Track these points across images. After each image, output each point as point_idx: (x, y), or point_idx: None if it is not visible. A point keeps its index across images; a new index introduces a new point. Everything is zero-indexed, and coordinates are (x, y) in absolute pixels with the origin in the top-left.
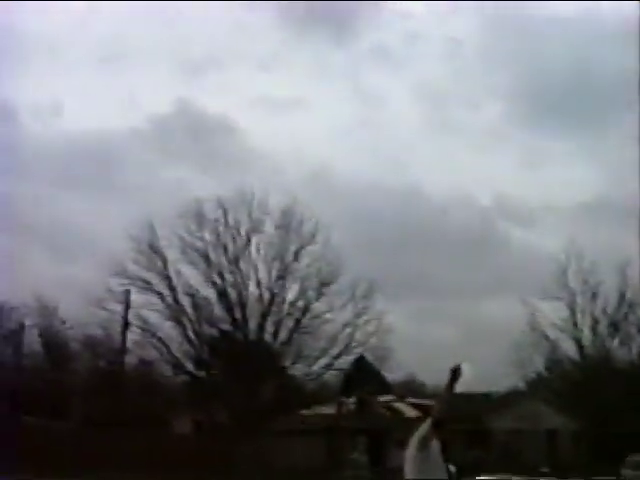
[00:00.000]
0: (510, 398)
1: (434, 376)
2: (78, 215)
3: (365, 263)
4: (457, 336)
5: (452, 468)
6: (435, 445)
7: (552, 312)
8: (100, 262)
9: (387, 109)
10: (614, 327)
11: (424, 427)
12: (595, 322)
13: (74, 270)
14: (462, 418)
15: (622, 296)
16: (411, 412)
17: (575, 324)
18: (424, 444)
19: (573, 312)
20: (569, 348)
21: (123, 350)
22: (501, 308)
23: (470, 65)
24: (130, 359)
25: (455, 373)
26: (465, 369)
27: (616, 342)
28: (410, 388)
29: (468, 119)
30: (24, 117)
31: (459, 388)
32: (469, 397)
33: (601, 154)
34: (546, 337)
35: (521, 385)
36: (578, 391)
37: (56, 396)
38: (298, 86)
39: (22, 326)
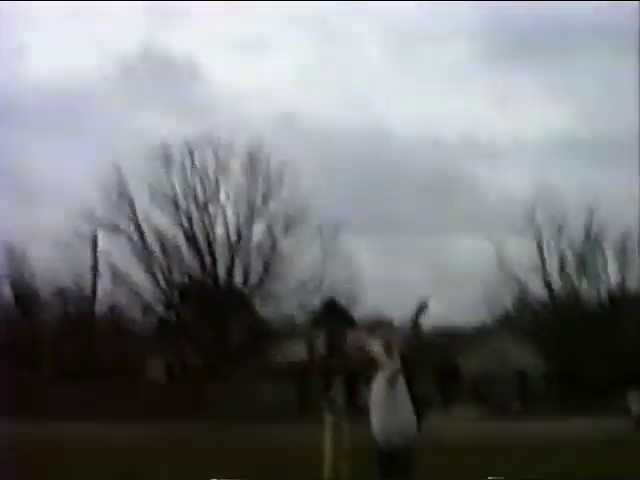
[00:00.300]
0: (479, 336)
1: (403, 314)
2: (46, 161)
3: (333, 204)
4: (426, 274)
5: None
6: (402, 384)
7: (519, 250)
8: (69, 209)
9: (353, 49)
10: (581, 264)
11: (393, 363)
12: (562, 259)
13: (43, 216)
14: (431, 355)
15: (588, 233)
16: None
17: (542, 261)
18: (390, 382)
19: (540, 249)
20: (537, 286)
21: (93, 297)
22: (469, 246)
23: (436, 2)
24: (100, 306)
25: (421, 307)
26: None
27: (584, 282)
28: (379, 327)
29: (435, 57)
30: None
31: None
32: (438, 335)
33: (571, 90)
34: (513, 274)
35: (489, 323)
36: (547, 329)
37: (27, 346)
38: (263, 28)
39: None
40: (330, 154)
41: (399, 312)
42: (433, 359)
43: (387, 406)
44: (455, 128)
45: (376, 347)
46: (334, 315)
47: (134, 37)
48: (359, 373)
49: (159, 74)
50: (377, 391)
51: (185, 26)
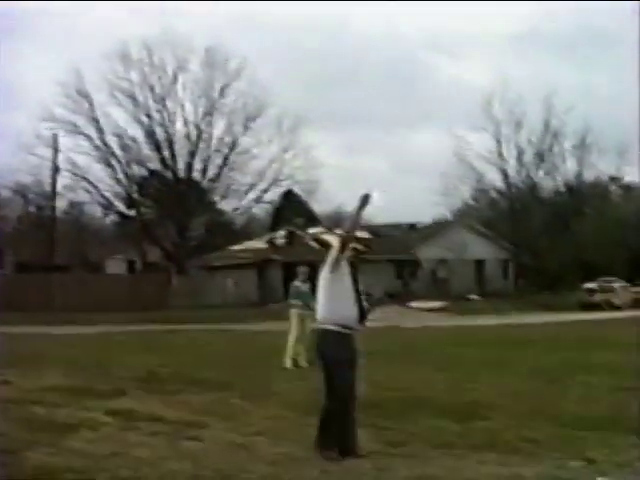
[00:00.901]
0: (437, 228)
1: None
2: (3, 62)
3: (293, 98)
4: (386, 167)
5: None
6: (345, 267)
7: (478, 143)
8: (28, 109)
9: None
10: (539, 157)
11: (333, 249)
12: (520, 152)
13: (3, 119)
14: (389, 248)
15: (547, 126)
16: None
17: (500, 154)
18: (334, 265)
19: (499, 143)
20: (495, 178)
21: (54, 194)
22: (429, 140)
23: None
24: (60, 203)
25: (365, 199)
26: (374, 196)
27: (541, 173)
28: (339, 220)
29: None
30: None
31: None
32: (396, 227)
33: None
34: (472, 167)
35: (448, 215)
36: (505, 220)
37: None
38: None
39: None
40: (289, 47)
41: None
42: (392, 251)
43: (327, 289)
44: (417, 21)
45: (328, 236)
46: (293, 207)
47: None
48: (317, 264)
49: None
50: (321, 276)
51: None
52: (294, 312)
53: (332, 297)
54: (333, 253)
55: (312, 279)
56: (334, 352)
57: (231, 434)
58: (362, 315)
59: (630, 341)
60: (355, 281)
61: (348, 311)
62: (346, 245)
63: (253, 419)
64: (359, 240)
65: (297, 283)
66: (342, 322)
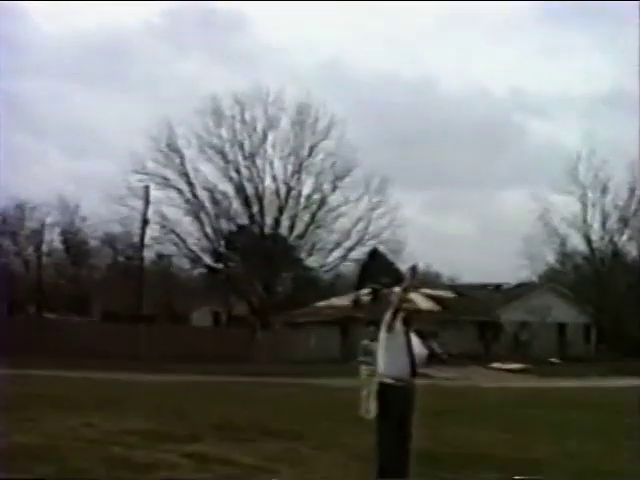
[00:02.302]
0: (521, 291)
1: (449, 266)
2: (96, 112)
3: (380, 156)
4: (471, 228)
5: (424, 350)
6: (399, 329)
7: (563, 206)
8: (119, 159)
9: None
10: (624, 222)
11: (387, 314)
12: (605, 217)
13: (94, 167)
14: (473, 309)
15: (632, 191)
16: (424, 303)
17: (585, 219)
18: (387, 328)
19: (584, 207)
20: (579, 243)
21: (142, 245)
22: (515, 200)
23: None
24: (149, 254)
25: (413, 271)
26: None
27: (625, 237)
28: (425, 279)
29: (484, 9)
30: (37, 16)
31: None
32: (482, 287)
33: (620, 45)
34: (556, 232)
35: (533, 278)
36: (588, 284)
37: (77, 292)
38: None
39: (43, 225)
40: (378, 105)
41: (445, 264)
42: (476, 312)
43: (384, 347)
44: (504, 81)
45: (412, 295)
46: (379, 266)
47: None
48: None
49: (206, 23)
50: (380, 335)
51: None
52: (363, 369)
53: (388, 353)
54: (388, 317)
55: None
56: (390, 402)
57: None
58: (414, 369)
59: None
60: (408, 338)
61: (402, 365)
62: (398, 311)
63: (320, 467)
64: (442, 300)
65: (365, 342)
66: (397, 375)
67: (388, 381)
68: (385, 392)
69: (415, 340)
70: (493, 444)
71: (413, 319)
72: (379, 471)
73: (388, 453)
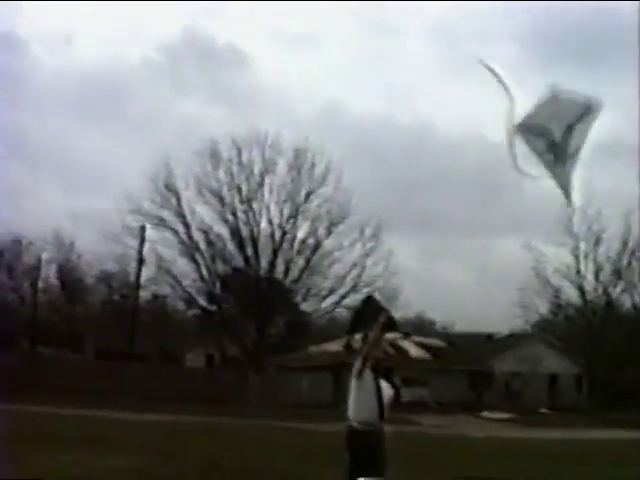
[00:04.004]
0: (513, 340)
1: (443, 313)
2: (92, 147)
3: (376, 201)
4: (466, 275)
5: (389, 392)
6: (368, 376)
7: (556, 257)
8: (115, 196)
9: (400, 46)
10: (617, 274)
11: (356, 363)
12: (598, 269)
13: (90, 204)
14: (464, 358)
15: (625, 243)
16: (415, 351)
17: (578, 270)
18: (356, 375)
19: (577, 258)
20: (572, 294)
21: (137, 285)
22: (510, 249)
23: (485, 4)
24: (144, 294)
25: (387, 320)
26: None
27: (618, 289)
28: (419, 326)
29: (482, 56)
30: (35, 48)
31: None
32: (473, 337)
33: (617, 98)
34: (549, 282)
35: (526, 327)
36: (580, 335)
37: (71, 329)
38: (310, 20)
39: (39, 261)
40: (375, 150)
41: (439, 311)
42: (467, 361)
43: (353, 393)
44: (501, 129)
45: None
46: (373, 313)
47: (178, 25)
48: (391, 370)
49: (205, 61)
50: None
51: (229, 16)
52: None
53: (357, 399)
54: (357, 364)
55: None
56: (359, 446)
57: None
58: (382, 414)
59: None
60: (377, 384)
61: (370, 410)
62: (367, 360)
63: None
64: (433, 348)
65: None
66: (365, 420)
67: (356, 425)
68: (353, 436)
69: (383, 384)
70: None
71: (381, 366)
72: None
73: None
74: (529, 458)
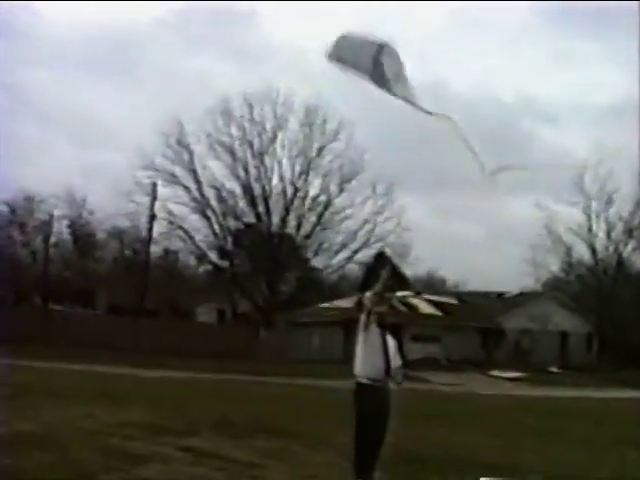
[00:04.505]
0: (524, 298)
1: (454, 272)
2: (105, 104)
3: (388, 158)
4: (478, 233)
5: (398, 362)
6: (375, 330)
7: (568, 216)
8: (128, 153)
9: (413, 5)
10: (628, 233)
11: (361, 316)
12: (610, 228)
13: (101, 160)
14: (475, 316)
15: (638, 203)
16: (426, 308)
17: (590, 229)
18: (362, 328)
19: (589, 217)
20: (584, 253)
21: (149, 240)
22: (522, 207)
23: None
24: (156, 249)
25: (392, 274)
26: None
27: (630, 248)
28: (430, 284)
29: (497, 17)
30: (48, 5)
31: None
32: (484, 295)
33: (634, 56)
34: (561, 241)
35: (537, 286)
36: (591, 294)
37: (83, 285)
38: None
39: (51, 217)
40: (387, 108)
41: (450, 269)
42: (478, 319)
43: (360, 348)
44: (515, 88)
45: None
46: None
47: None
48: (402, 327)
49: (217, 20)
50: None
51: None
52: None
53: (363, 353)
54: (362, 319)
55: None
56: (365, 402)
57: (286, 476)
58: (388, 369)
59: None
60: (384, 340)
61: (377, 365)
62: (370, 312)
63: (311, 465)
64: (442, 305)
65: None
66: (372, 375)
67: (363, 381)
68: (360, 392)
69: (392, 347)
70: (479, 449)
71: (388, 321)
72: (356, 469)
73: (362, 451)
74: (538, 416)
